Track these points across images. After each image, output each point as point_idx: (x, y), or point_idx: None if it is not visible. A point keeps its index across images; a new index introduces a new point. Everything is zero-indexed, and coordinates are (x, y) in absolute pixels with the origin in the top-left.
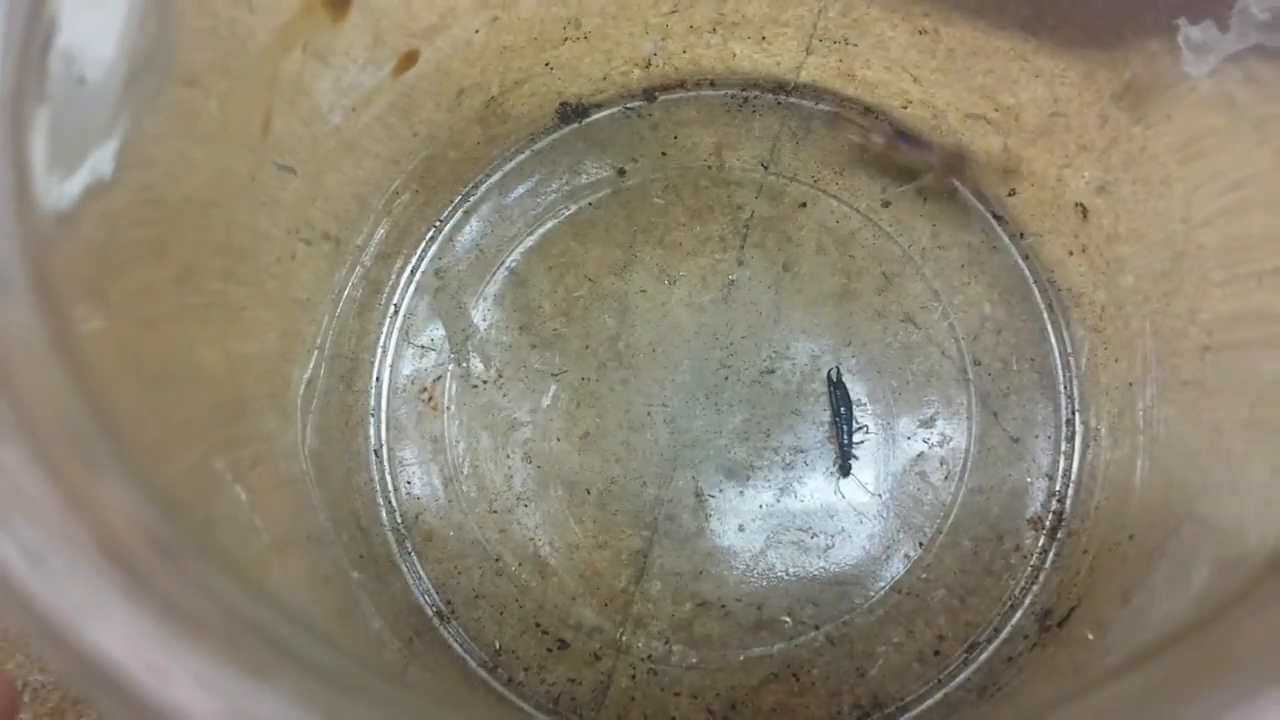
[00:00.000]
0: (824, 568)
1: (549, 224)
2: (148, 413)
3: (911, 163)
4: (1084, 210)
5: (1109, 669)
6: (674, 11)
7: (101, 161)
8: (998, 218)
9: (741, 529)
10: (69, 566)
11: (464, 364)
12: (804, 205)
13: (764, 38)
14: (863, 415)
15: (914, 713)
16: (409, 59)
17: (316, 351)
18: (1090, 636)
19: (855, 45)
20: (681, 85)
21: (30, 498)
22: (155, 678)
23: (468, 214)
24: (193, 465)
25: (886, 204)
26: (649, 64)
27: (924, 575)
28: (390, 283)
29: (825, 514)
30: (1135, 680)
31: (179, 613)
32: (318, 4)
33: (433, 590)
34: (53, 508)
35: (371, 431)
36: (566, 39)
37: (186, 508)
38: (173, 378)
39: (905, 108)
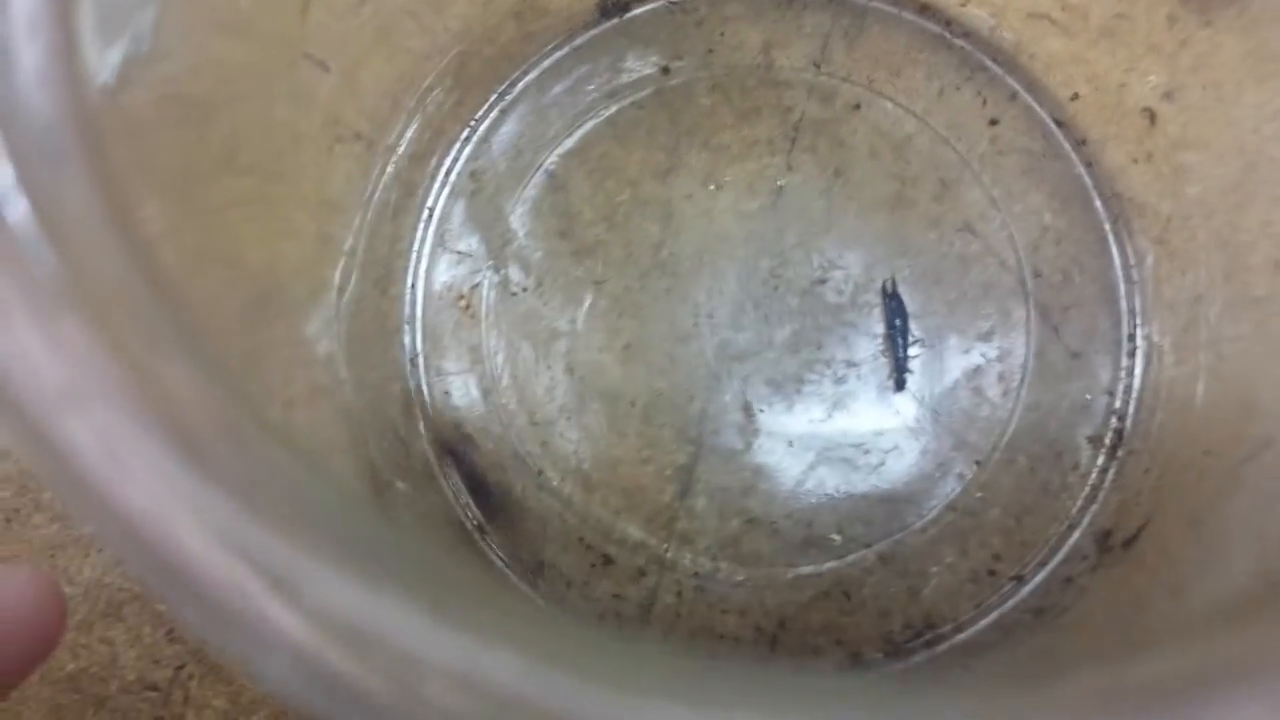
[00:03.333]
0: (875, 485)
1: (589, 125)
2: (202, 297)
3: None
4: (1151, 115)
5: (1179, 618)
6: None
7: (141, 32)
8: (1059, 123)
9: (790, 444)
10: (148, 461)
11: (502, 271)
12: (857, 107)
13: None
14: (919, 328)
15: (967, 634)
16: None
17: (348, 256)
18: (1157, 565)
19: None
20: None
21: (103, 378)
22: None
23: (504, 113)
24: (246, 353)
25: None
26: None
27: (979, 494)
28: (424, 185)
29: (878, 430)
30: (1202, 648)
31: (258, 504)
32: None
33: (472, 504)
34: (126, 389)
35: (407, 340)
36: None
37: (246, 396)
38: (221, 265)
39: (964, 4)
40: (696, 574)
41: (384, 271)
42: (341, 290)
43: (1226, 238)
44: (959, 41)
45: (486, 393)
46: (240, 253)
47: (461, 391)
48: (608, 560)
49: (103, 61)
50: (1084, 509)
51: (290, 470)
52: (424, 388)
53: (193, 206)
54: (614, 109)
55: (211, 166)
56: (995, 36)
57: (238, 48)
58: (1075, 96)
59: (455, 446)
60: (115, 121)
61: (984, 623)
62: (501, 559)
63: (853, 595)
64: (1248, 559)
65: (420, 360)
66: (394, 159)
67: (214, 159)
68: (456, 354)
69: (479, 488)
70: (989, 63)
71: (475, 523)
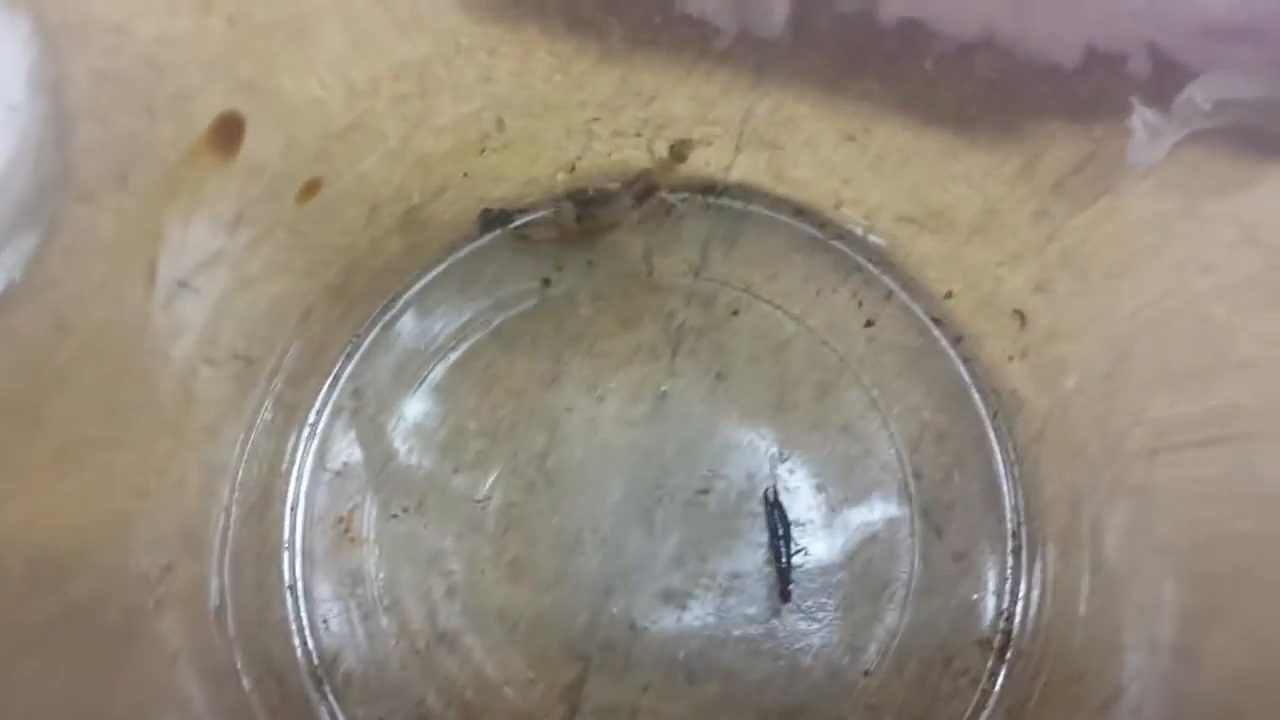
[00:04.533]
0: (767, 698)
1: (473, 337)
2: None
3: (606, 218)
4: (1022, 316)
5: None
6: (597, 118)
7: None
8: (935, 320)
9: (679, 659)
10: None
11: (383, 490)
12: (736, 312)
13: (691, 139)
14: (802, 534)
15: None
16: (312, 187)
17: (228, 480)
18: None
19: (784, 147)
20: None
21: None
22: None
23: (387, 328)
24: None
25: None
26: (574, 167)
27: (871, 702)
28: (306, 404)
29: (767, 641)
30: None
31: None
32: (203, 148)
33: None
34: None
35: (286, 565)
36: (485, 148)
37: None
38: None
39: (837, 208)
40: None
41: (263, 495)
42: (222, 518)
43: (1103, 428)
44: (834, 243)
45: (366, 618)
46: (112, 483)
47: (341, 618)
48: None
49: None
50: (975, 715)
51: None
52: (303, 615)
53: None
54: (498, 320)
55: (79, 406)
56: (868, 239)
57: (104, 275)
58: (949, 294)
59: None
60: None
61: None
62: None
63: None
64: None
65: (299, 587)
66: (275, 379)
67: (79, 402)
68: (336, 579)
69: None
70: (864, 263)
71: None
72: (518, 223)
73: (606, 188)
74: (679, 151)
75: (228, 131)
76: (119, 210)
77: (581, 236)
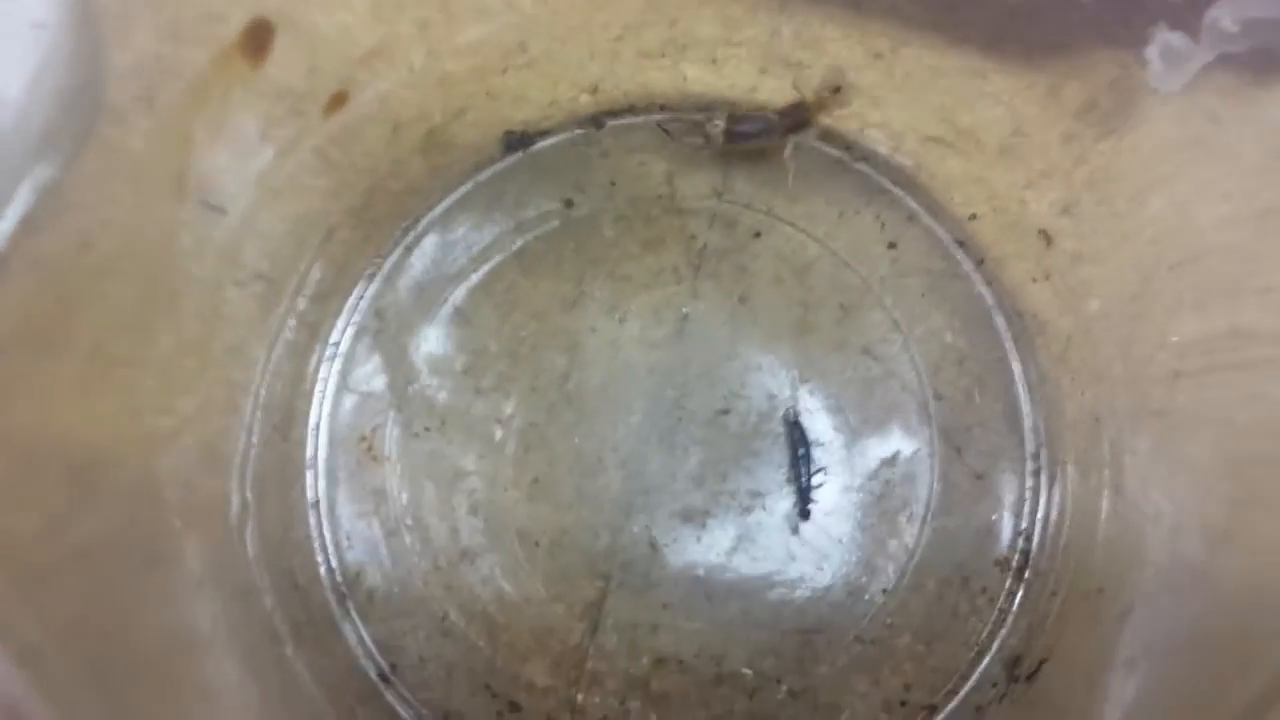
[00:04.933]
0: (785, 616)
1: (495, 259)
2: None
3: (755, 144)
4: (1047, 237)
5: None
6: (620, 38)
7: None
8: (959, 243)
9: (698, 578)
10: None
11: (406, 410)
12: (758, 235)
13: (716, 60)
14: (822, 455)
15: None
16: (339, 99)
17: (251, 399)
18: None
19: (810, 68)
20: (631, 110)
21: None
22: None
23: (409, 250)
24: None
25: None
26: (596, 89)
27: (889, 621)
28: (328, 324)
29: (785, 560)
30: None
31: None
32: (235, 52)
33: (376, 653)
34: None
35: (309, 484)
36: (508, 67)
37: None
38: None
39: (863, 130)
40: (606, 717)
41: (286, 415)
42: (246, 436)
43: (1126, 351)
44: (858, 165)
45: (390, 535)
46: (137, 405)
47: (364, 536)
48: (515, 707)
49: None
50: (993, 633)
51: None
52: (326, 533)
53: (95, 362)
54: (520, 242)
55: (109, 325)
56: (894, 160)
57: (132, 196)
58: (974, 217)
59: None
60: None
61: None
62: (406, 710)
63: None
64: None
65: (322, 504)
66: (298, 299)
67: (109, 321)
68: (359, 497)
69: None
70: (888, 185)
71: (379, 671)
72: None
73: (762, 112)
74: (842, 96)
75: (258, 37)
76: (147, 131)
77: (725, 154)
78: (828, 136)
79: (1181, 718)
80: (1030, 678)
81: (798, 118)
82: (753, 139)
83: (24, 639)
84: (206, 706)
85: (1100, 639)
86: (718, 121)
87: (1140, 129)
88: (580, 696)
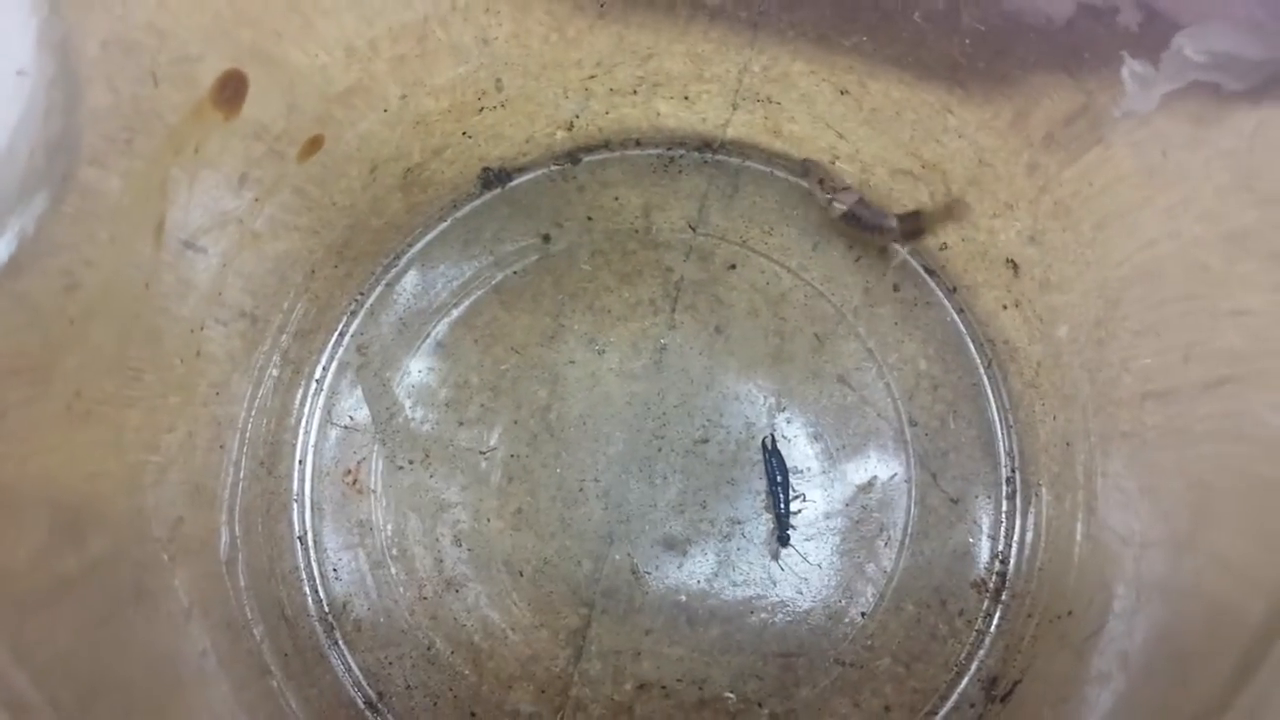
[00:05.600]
0: (767, 640)
1: (475, 294)
2: None
3: (865, 236)
4: (1015, 266)
5: None
6: (593, 76)
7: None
8: (930, 272)
9: (680, 604)
10: None
11: (389, 443)
12: (734, 266)
13: (688, 96)
14: (800, 482)
15: None
16: (315, 143)
17: (237, 435)
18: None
19: (779, 102)
20: (606, 146)
21: None
22: None
23: (390, 286)
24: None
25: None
26: (572, 125)
27: (869, 643)
28: (312, 360)
29: (766, 585)
30: None
31: None
32: (207, 105)
33: (364, 682)
34: None
35: (295, 517)
36: (484, 106)
37: None
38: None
39: (833, 162)
40: None
41: (271, 450)
42: (232, 473)
43: (1093, 375)
44: (828, 197)
45: (375, 567)
46: (124, 444)
47: (350, 567)
48: None
49: None
50: (971, 655)
51: None
52: (313, 565)
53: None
54: (499, 277)
55: (90, 367)
56: (864, 191)
57: (111, 237)
58: (944, 246)
59: None
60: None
61: None
62: None
63: None
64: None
65: (308, 537)
66: (281, 337)
67: (90, 363)
68: (345, 529)
69: None
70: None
71: (366, 700)
72: (515, 181)
73: (882, 217)
74: (952, 211)
75: (232, 88)
76: (126, 173)
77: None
78: (799, 169)
79: None
80: (1005, 699)
81: (915, 226)
82: (866, 229)
83: (9, 682)
84: None
85: (1072, 657)
86: (840, 203)
87: (1105, 156)
88: None
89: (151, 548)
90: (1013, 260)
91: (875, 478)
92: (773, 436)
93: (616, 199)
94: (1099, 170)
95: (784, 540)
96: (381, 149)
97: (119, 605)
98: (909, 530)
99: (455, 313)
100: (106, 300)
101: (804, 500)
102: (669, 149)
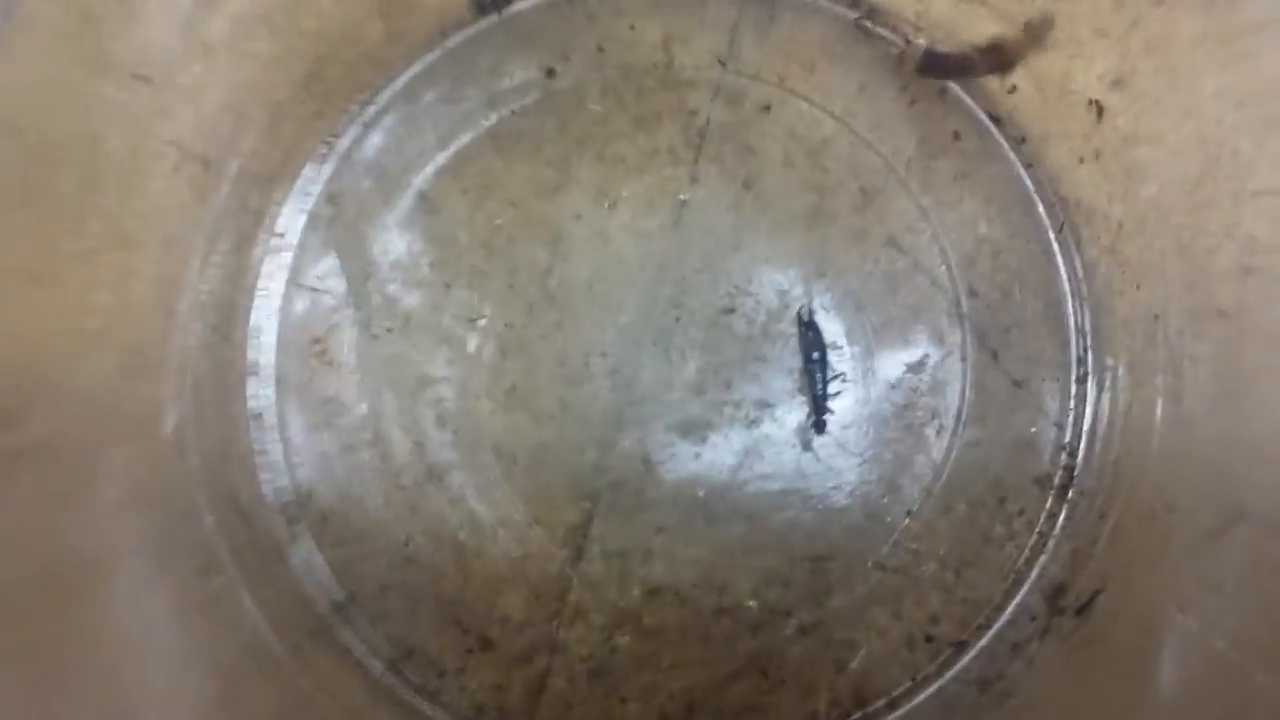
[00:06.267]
0: (795, 542)
1: (465, 138)
2: None
3: (949, 79)
4: (1099, 107)
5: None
6: None
7: None
8: (995, 119)
9: (698, 499)
10: None
11: (364, 308)
12: (768, 109)
13: None
14: (839, 360)
15: (903, 710)
16: None
17: (186, 297)
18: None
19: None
20: None
21: None
22: None
23: (367, 127)
24: None
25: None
26: None
27: (913, 546)
28: (274, 212)
29: (796, 479)
30: None
31: None
32: None
33: (330, 581)
34: None
35: (253, 392)
36: None
37: None
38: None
39: None
40: (591, 655)
41: (226, 314)
42: (181, 338)
43: (1186, 243)
44: (881, 31)
45: (345, 450)
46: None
47: (316, 451)
48: (487, 643)
49: None
50: (1031, 560)
51: None
52: (272, 448)
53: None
54: (494, 119)
55: (28, 220)
56: (921, 24)
57: (45, 69)
58: (1013, 89)
59: None
60: None
61: (921, 697)
62: (363, 645)
63: (771, 672)
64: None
65: (267, 416)
66: (240, 183)
67: (29, 215)
68: (310, 408)
69: None
70: None
71: (332, 602)
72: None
73: (961, 49)
74: (1037, 31)
75: None
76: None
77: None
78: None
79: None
80: (1082, 611)
81: (1000, 58)
82: (950, 73)
83: None
84: (126, 646)
85: (1167, 568)
86: (919, 42)
87: None
88: (561, 631)
89: (90, 426)
90: (1096, 102)
91: (926, 356)
92: (809, 307)
93: (632, 28)
94: (1195, 6)
95: (820, 427)
96: None
97: (56, 489)
98: (963, 417)
99: (442, 159)
100: (43, 146)
101: (843, 381)
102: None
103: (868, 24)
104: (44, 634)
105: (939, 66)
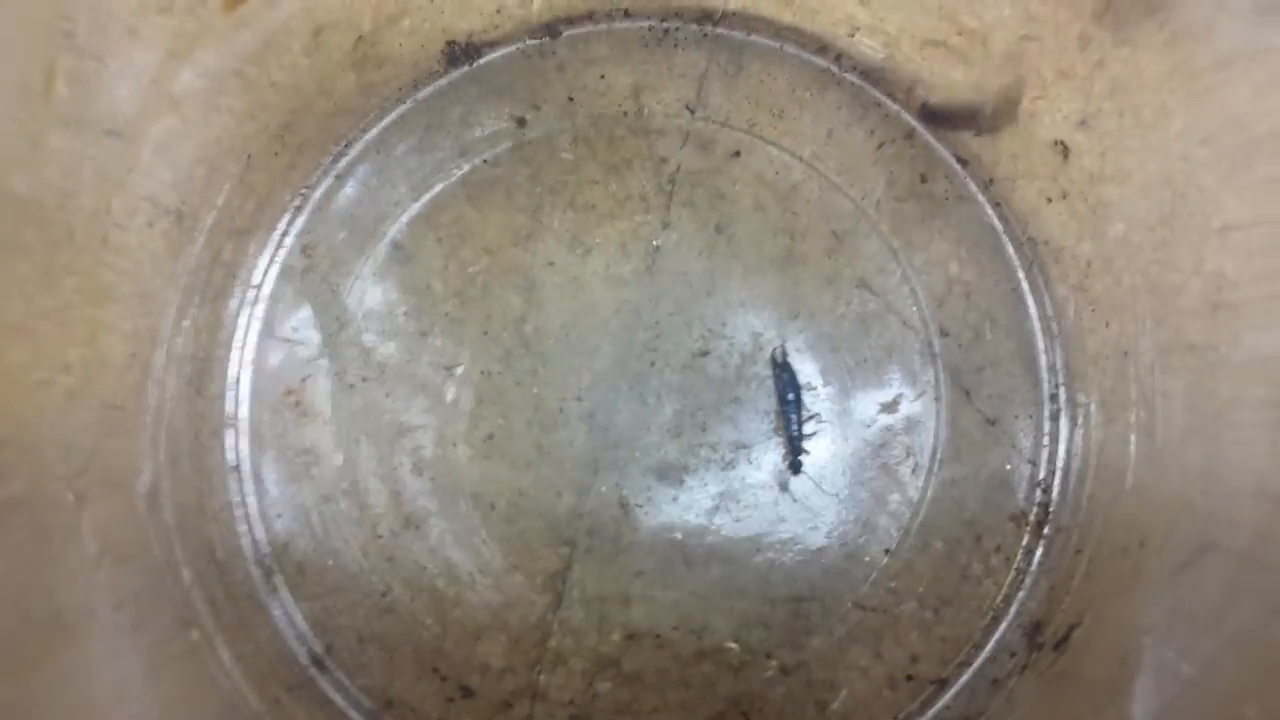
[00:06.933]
0: (774, 583)
1: (438, 187)
2: None
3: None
4: (1064, 148)
5: None
6: None
7: None
8: (962, 161)
9: (676, 542)
10: None
11: (339, 359)
12: (737, 154)
13: None
14: (814, 400)
15: None
16: None
17: (161, 351)
18: (1092, 674)
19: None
20: (590, 17)
21: None
22: None
23: (340, 178)
24: None
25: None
26: None
27: (891, 585)
28: (248, 264)
29: (774, 520)
30: None
31: None
32: None
33: (308, 633)
34: None
35: (229, 445)
36: None
37: None
38: None
39: (852, 35)
40: (573, 701)
41: (200, 367)
42: (156, 393)
43: (1155, 279)
44: (848, 76)
45: (322, 501)
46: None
47: (293, 502)
48: (467, 692)
49: None
50: (1009, 597)
51: None
52: (248, 500)
53: None
54: (466, 168)
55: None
56: (888, 69)
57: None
58: (979, 132)
59: None
60: None
61: None
62: (342, 697)
63: (753, 715)
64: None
65: (244, 468)
66: (213, 236)
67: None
68: (287, 459)
69: None
70: (882, 99)
71: (311, 655)
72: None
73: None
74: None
75: None
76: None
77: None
78: (813, 44)
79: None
80: (1059, 645)
81: (1010, 108)
82: (953, 125)
83: None
84: (104, 701)
85: (1138, 600)
86: (920, 92)
87: (1174, 30)
88: (542, 678)
89: (56, 485)
90: (1062, 143)
91: (900, 396)
92: (783, 349)
93: (602, 78)
94: (1160, 46)
95: (795, 468)
96: (325, 13)
97: (26, 548)
98: (938, 456)
99: (415, 209)
100: (14, 200)
101: (818, 421)
102: (662, 20)
103: (835, 70)
104: (20, 688)
105: (942, 120)
